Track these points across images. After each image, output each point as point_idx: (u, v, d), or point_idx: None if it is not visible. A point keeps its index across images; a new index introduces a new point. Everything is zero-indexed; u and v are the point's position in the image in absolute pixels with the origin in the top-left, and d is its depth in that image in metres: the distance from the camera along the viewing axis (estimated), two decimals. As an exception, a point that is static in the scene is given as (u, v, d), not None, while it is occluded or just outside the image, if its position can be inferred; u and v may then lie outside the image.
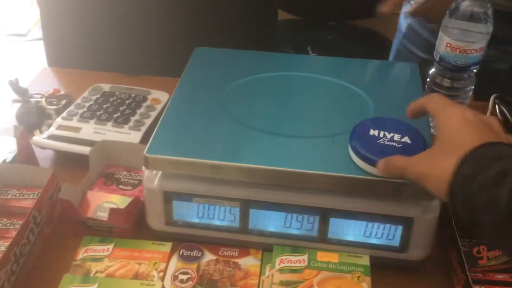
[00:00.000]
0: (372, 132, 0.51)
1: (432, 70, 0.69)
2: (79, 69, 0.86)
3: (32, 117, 0.71)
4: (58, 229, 0.57)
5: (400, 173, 0.46)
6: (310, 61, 0.68)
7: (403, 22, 1.02)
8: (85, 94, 0.74)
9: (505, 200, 0.35)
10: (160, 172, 0.53)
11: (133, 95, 0.74)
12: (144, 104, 0.73)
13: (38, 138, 0.66)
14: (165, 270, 0.52)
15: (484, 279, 0.50)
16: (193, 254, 0.54)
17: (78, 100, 0.73)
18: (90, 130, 0.67)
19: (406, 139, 0.50)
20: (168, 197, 0.53)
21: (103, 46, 0.88)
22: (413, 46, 0.98)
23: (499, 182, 0.36)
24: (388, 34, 1.55)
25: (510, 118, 0.70)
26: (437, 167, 0.42)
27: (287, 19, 1.66)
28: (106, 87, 0.76)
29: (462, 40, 0.63)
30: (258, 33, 0.95)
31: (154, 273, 0.52)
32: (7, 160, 0.61)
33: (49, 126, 0.69)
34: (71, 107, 0.71)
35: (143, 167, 0.52)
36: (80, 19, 0.87)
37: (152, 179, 0.53)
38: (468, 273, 0.49)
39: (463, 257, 0.50)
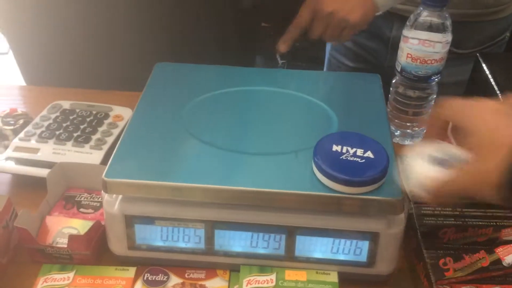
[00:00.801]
0: (335, 147, 0.50)
1: (395, 80, 0.69)
2: (43, 85, 0.83)
3: (-13, 139, 0.68)
4: (16, 257, 0.55)
5: (455, 199, 0.42)
6: (272, 75, 0.67)
7: None
8: (44, 112, 0.72)
9: None
10: (120, 196, 0.51)
11: (94, 112, 0.72)
12: (106, 122, 0.71)
13: (-7, 161, 0.63)
14: (129, 297, 0.50)
15: (451, 291, 0.51)
16: (158, 278, 0.52)
17: (37, 119, 0.70)
18: (49, 151, 0.65)
19: (369, 153, 0.50)
20: (130, 221, 0.51)
21: (68, 61, 0.86)
22: (341, 56, 0.99)
23: None
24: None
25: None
26: (484, 175, 0.38)
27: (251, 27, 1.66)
28: (66, 104, 0.74)
29: (422, 51, 0.63)
30: (224, 44, 0.94)
31: (118, 300, 0.50)
32: (-41, 187, 0.58)
33: (6, 147, 0.66)
34: (29, 127, 0.68)
35: (102, 191, 0.50)
36: (43, 34, 0.85)
37: (112, 203, 0.51)
38: (434, 286, 0.49)
39: (429, 269, 0.50)
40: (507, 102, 0.40)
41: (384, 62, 0.92)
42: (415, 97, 0.67)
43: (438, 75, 0.66)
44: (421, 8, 0.62)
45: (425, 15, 0.62)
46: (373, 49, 0.93)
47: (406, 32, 0.64)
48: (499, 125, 0.39)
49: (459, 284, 0.51)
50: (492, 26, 0.87)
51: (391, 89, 0.70)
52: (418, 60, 0.64)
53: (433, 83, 0.67)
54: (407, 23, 0.64)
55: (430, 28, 0.62)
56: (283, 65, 1.42)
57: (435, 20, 0.62)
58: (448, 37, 0.63)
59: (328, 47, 1.04)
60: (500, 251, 0.52)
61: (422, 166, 0.43)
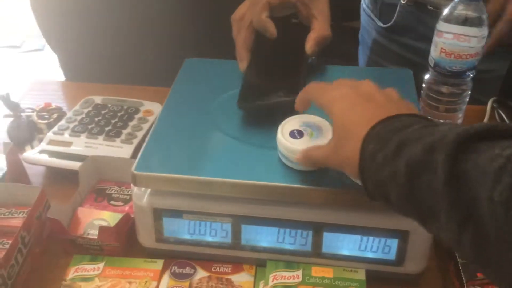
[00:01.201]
0: (364, 144, 0.49)
1: (427, 76, 0.67)
2: (76, 81, 0.85)
3: (23, 133, 0.70)
4: (48, 247, 0.56)
5: (320, 165, 0.46)
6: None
7: (367, 37, 1.00)
8: (77, 107, 0.73)
9: (403, 171, 0.35)
10: (149, 189, 0.52)
11: (125, 107, 0.73)
12: (136, 116, 0.72)
13: (29, 154, 0.65)
14: (156, 289, 0.51)
15: (483, 292, 0.49)
16: (185, 271, 0.53)
17: (70, 114, 0.72)
18: (81, 145, 0.66)
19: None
20: (158, 214, 0.52)
21: (100, 57, 0.88)
22: (383, 60, 0.96)
23: (397, 154, 0.36)
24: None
25: (508, 122, 0.68)
26: (347, 154, 0.41)
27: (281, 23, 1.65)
28: (98, 99, 0.75)
29: (456, 45, 0.61)
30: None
31: (145, 292, 0.51)
32: (-4, 179, 0.60)
33: (40, 141, 0.68)
34: (62, 121, 0.70)
35: (132, 184, 0.51)
36: (77, 30, 0.87)
37: (141, 196, 0.52)
38: (465, 286, 0.48)
39: (461, 270, 0.49)
40: (361, 90, 0.44)
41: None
42: (449, 93, 0.66)
43: (473, 71, 0.64)
44: (456, 1, 0.60)
45: (461, 8, 0.60)
46: (422, 50, 0.89)
47: (440, 26, 0.62)
48: (353, 115, 0.42)
49: (491, 285, 0.49)
50: None
51: (423, 85, 0.68)
52: (453, 55, 0.62)
53: (468, 78, 0.65)
54: (441, 16, 0.62)
55: (466, 22, 0.60)
56: (312, 61, 1.40)
57: (471, 13, 0.60)
58: (484, 31, 0.61)
59: (366, 50, 1.01)
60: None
61: (283, 140, 0.48)
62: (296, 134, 0.49)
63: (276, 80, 0.59)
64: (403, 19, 0.88)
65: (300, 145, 0.48)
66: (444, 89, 0.66)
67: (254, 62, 0.61)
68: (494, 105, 0.72)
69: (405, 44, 0.91)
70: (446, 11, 0.62)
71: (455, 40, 0.61)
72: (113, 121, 0.70)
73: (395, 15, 0.88)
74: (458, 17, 0.60)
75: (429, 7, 0.80)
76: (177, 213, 0.51)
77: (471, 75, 0.64)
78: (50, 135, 0.68)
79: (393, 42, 0.92)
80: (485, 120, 0.71)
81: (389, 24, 0.91)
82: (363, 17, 1.00)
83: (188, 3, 0.83)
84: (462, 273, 0.49)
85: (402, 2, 0.85)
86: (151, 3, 0.81)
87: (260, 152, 0.52)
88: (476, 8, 0.60)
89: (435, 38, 0.63)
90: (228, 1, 0.86)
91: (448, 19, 0.61)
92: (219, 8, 0.85)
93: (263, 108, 0.55)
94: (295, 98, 0.50)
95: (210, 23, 0.86)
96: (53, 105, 0.75)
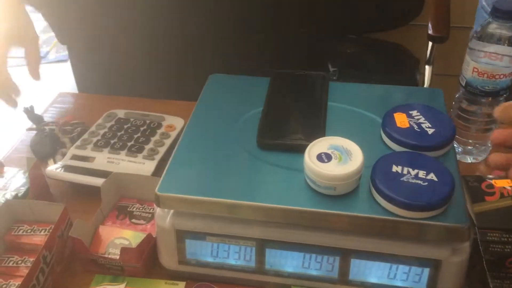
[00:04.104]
0: (395, 168, 0.48)
1: (458, 95, 0.65)
2: (99, 93, 0.85)
3: (46, 147, 0.70)
4: (69, 266, 0.56)
5: None
6: (330, 88, 0.64)
7: None
8: (100, 121, 0.73)
9: None
10: (172, 210, 0.51)
11: (148, 122, 0.73)
12: (159, 131, 0.71)
13: (52, 168, 0.65)
14: (178, 312, 0.50)
15: (518, 326, 0.47)
16: (207, 294, 0.52)
17: (93, 128, 0.72)
18: (103, 160, 0.66)
19: (431, 176, 0.47)
20: (181, 235, 0.51)
21: (122, 69, 0.88)
22: None
23: None
24: (410, 47, 1.51)
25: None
26: None
27: (303, 34, 1.63)
28: (120, 113, 0.75)
29: (490, 64, 0.59)
30: (274, 53, 0.93)
31: (167, 315, 0.50)
32: (19, 195, 0.60)
33: (63, 155, 0.67)
34: (85, 135, 0.70)
35: (155, 205, 0.50)
36: (100, 43, 0.87)
37: (164, 217, 0.51)
38: (501, 320, 0.45)
39: (495, 301, 0.47)
40: None
41: None
42: (481, 113, 0.63)
43: (507, 90, 0.61)
44: (490, 20, 0.58)
45: (494, 27, 0.58)
46: None
47: (473, 44, 0.60)
48: None
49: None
50: None
51: (453, 103, 0.66)
52: (486, 75, 0.60)
53: (501, 98, 0.63)
54: (474, 34, 0.60)
55: (500, 40, 0.58)
56: (334, 73, 1.37)
57: (505, 32, 0.58)
58: (518, 50, 0.59)
59: None
60: None
61: (310, 164, 0.47)
62: (324, 157, 0.48)
63: (295, 122, 0.57)
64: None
65: (327, 169, 0.46)
66: (476, 108, 0.63)
67: (274, 102, 0.60)
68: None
69: None
70: (479, 29, 0.60)
71: (487, 58, 0.59)
72: (135, 136, 0.70)
73: None
74: (491, 35, 0.59)
75: None
76: (200, 235, 0.50)
77: (504, 95, 0.62)
78: (73, 149, 0.67)
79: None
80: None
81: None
82: (480, 16, 0.96)
83: (213, 19, 0.82)
84: (496, 305, 0.47)
85: None
86: (177, 18, 0.81)
87: (286, 174, 0.50)
88: (510, 27, 0.58)
89: (467, 57, 0.61)
90: (254, 19, 0.85)
91: (481, 37, 0.59)
92: (244, 24, 0.84)
93: (282, 148, 0.53)
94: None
95: (235, 39, 0.85)
96: (76, 119, 0.75)
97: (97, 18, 0.84)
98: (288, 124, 0.57)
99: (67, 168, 0.65)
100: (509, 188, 0.54)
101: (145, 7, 0.81)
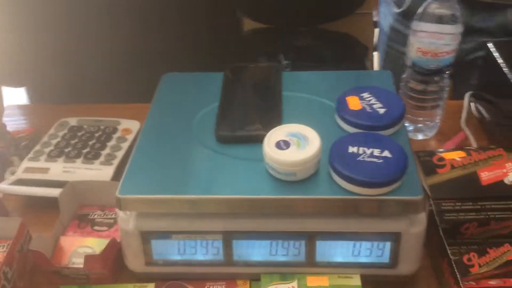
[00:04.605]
0: (351, 149, 0.49)
1: (405, 75, 0.68)
2: (49, 103, 0.83)
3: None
4: (33, 280, 0.54)
5: None
6: (282, 78, 0.65)
7: (384, 24, 1.02)
8: (52, 130, 0.71)
9: None
10: (134, 212, 0.50)
11: (102, 127, 0.71)
12: (115, 136, 0.70)
13: (4, 184, 0.62)
14: (150, 314, 0.49)
15: (478, 287, 0.49)
16: (178, 293, 0.51)
17: (45, 138, 0.70)
18: (59, 170, 0.64)
19: (386, 153, 0.48)
20: (146, 237, 0.50)
21: (69, 75, 0.85)
22: (401, 46, 0.98)
23: None
24: (358, 35, 1.55)
25: (486, 115, 0.69)
26: None
27: (255, 28, 1.64)
28: (73, 121, 0.73)
29: (432, 44, 0.62)
30: (226, 48, 0.93)
31: (139, 318, 0.49)
32: (-28, 213, 0.58)
33: (13, 173, 0.65)
34: (38, 147, 0.68)
35: (117, 209, 0.49)
36: (44, 50, 0.84)
37: (127, 220, 0.50)
38: (461, 284, 0.48)
39: (454, 267, 0.49)
40: None
41: None
42: (428, 91, 0.66)
43: (450, 67, 0.64)
44: (430, 0, 0.61)
45: (434, 7, 0.61)
46: None
47: (415, 25, 0.63)
48: None
49: (485, 280, 0.49)
50: None
51: (400, 83, 0.69)
52: (429, 54, 0.62)
53: (445, 75, 0.65)
54: (415, 16, 0.63)
55: (440, 19, 0.61)
56: (287, 66, 1.39)
57: (445, 11, 0.60)
58: (459, 28, 0.61)
59: (384, 38, 1.02)
60: (526, 243, 0.51)
61: (270, 152, 0.48)
62: (283, 145, 0.48)
63: (252, 113, 0.58)
64: (415, 5, 0.89)
65: (287, 155, 0.47)
66: (422, 87, 0.66)
67: (229, 96, 0.60)
68: (471, 99, 0.73)
69: None
70: (420, 10, 0.62)
71: (430, 38, 0.62)
72: (90, 143, 0.68)
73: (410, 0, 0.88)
74: (432, 15, 0.61)
75: None
76: (165, 235, 0.50)
77: (448, 72, 0.65)
78: (26, 162, 0.65)
79: (407, 27, 0.92)
80: (463, 114, 0.72)
81: (402, 9, 0.91)
82: (382, 4, 1.01)
83: (164, 18, 0.82)
84: (456, 270, 0.49)
85: None
86: (125, 18, 0.80)
87: (247, 165, 0.51)
88: (449, 5, 0.60)
89: (411, 38, 0.64)
90: (204, 18, 0.85)
91: (423, 18, 0.62)
92: (195, 23, 0.84)
93: (241, 140, 0.53)
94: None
95: (189, 37, 0.85)
96: (21, 132, 0.72)
97: (42, 23, 0.81)
98: (245, 116, 0.57)
99: (21, 182, 0.63)
100: (458, 159, 0.57)
101: (91, 11, 0.79)
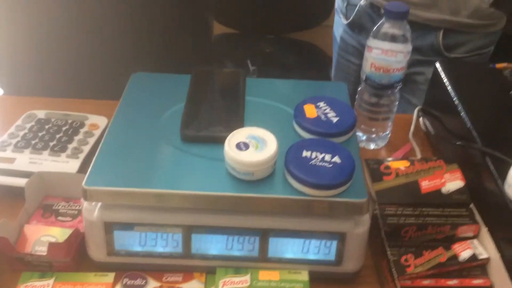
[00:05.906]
0: (305, 153, 0.53)
1: (360, 88, 0.73)
2: (17, 95, 0.83)
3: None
4: (-5, 266, 0.56)
5: None
6: (246, 83, 0.69)
7: (336, 34, 1.09)
8: (19, 122, 0.72)
9: None
10: (99, 203, 0.53)
11: (70, 121, 0.73)
12: (82, 130, 0.72)
13: (-31, 172, 0.63)
14: (109, 301, 0.52)
15: (412, 286, 0.54)
16: (136, 282, 0.54)
17: (12, 129, 0.71)
18: (25, 161, 0.65)
19: (336, 158, 0.53)
20: (109, 227, 0.53)
21: (40, 69, 0.86)
22: (349, 55, 1.06)
23: None
24: (322, 46, 1.62)
25: (431, 129, 0.75)
26: None
27: (224, 33, 1.68)
28: (41, 113, 0.74)
29: (385, 60, 0.67)
30: (195, 51, 0.96)
31: (98, 305, 0.51)
32: None
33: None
34: (4, 137, 0.69)
35: (82, 199, 0.52)
36: (18, 41, 0.85)
37: (92, 210, 0.52)
38: (396, 281, 0.53)
39: (392, 266, 0.54)
40: None
41: None
42: (380, 104, 0.71)
43: (400, 83, 0.70)
44: (383, 20, 0.66)
45: (387, 27, 0.66)
46: None
47: (370, 42, 0.68)
48: None
49: (419, 279, 0.55)
50: (483, 38, 0.95)
51: (356, 96, 0.74)
52: (382, 69, 0.67)
53: (396, 90, 0.71)
54: (371, 33, 0.68)
55: (393, 38, 0.66)
56: (254, 71, 1.44)
57: (397, 31, 0.66)
58: (408, 47, 0.67)
59: (336, 47, 1.10)
60: (456, 247, 0.56)
61: (230, 152, 0.52)
62: (242, 146, 0.52)
63: (216, 115, 0.61)
64: (360, 18, 0.97)
65: (246, 156, 0.51)
66: (376, 100, 0.71)
67: (195, 97, 0.63)
68: (419, 113, 0.79)
69: (361, 42, 0.99)
70: (374, 28, 0.67)
71: (383, 55, 0.67)
72: (57, 136, 0.70)
73: (354, 13, 0.96)
74: (385, 34, 0.66)
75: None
76: (128, 226, 0.53)
77: (398, 87, 0.70)
78: (-9, 151, 0.66)
79: (353, 38, 1.00)
80: (411, 128, 0.78)
81: (348, 21, 0.99)
82: (336, 16, 1.09)
83: (136, 17, 0.84)
84: (393, 269, 0.54)
85: (362, 3, 0.93)
86: (97, 14, 0.81)
87: (209, 164, 0.54)
88: (401, 26, 0.66)
89: (366, 54, 0.69)
90: (176, 18, 0.88)
91: (377, 36, 0.67)
92: (167, 24, 0.87)
93: (204, 140, 0.57)
94: None
95: (158, 38, 0.87)
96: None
97: (13, 15, 0.82)
98: (209, 117, 0.61)
99: (-14, 170, 0.64)
100: (402, 168, 0.62)
101: (64, 6, 0.81)
